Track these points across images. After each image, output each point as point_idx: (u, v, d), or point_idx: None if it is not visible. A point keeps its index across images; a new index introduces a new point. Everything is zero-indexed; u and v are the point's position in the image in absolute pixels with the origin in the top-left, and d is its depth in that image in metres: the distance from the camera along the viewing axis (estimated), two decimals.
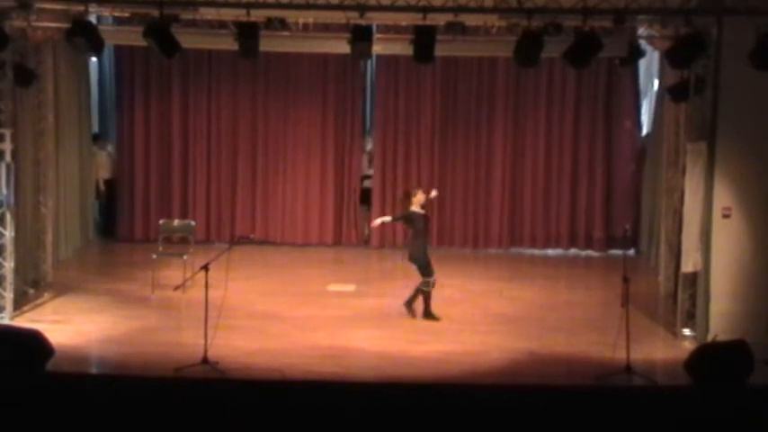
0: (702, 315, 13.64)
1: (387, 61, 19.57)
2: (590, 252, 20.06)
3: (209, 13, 14.48)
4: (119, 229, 20.35)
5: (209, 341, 12.21)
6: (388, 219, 15.64)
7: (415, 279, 17.24)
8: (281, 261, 18.90)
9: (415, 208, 14.65)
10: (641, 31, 15.62)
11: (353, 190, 20.24)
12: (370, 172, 20.52)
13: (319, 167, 20.16)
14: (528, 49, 13.27)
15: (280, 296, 16.06)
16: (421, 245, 14.75)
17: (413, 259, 14.74)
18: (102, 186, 20.61)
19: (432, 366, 12.70)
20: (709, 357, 11.80)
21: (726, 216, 13.45)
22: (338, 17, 13.95)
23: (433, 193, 15.16)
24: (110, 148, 20.72)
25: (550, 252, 20.13)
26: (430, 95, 20.01)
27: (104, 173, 20.57)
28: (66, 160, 18.14)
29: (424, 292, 14.69)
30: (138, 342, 13.46)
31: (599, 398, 10.79)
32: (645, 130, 20.01)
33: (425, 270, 14.67)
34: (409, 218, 14.83)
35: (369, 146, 20.57)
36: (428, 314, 14.66)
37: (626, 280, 12.43)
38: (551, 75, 19.74)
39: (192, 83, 20.05)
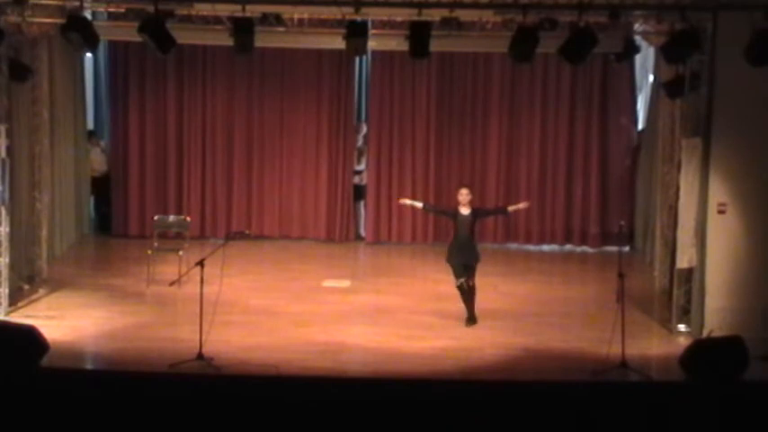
0: (697, 311, 13.67)
1: (382, 57, 19.53)
2: (585, 248, 20.04)
3: (204, 9, 14.47)
4: (113, 225, 20.32)
5: (204, 337, 12.22)
6: (419, 204, 15.47)
7: (410, 275, 17.30)
8: (277, 257, 18.88)
9: (461, 207, 14.46)
10: (636, 26, 15.63)
11: (348, 186, 20.22)
12: (360, 167, 20.50)
13: (314, 163, 20.13)
14: (523, 44, 13.27)
15: (275, 292, 16.06)
16: (452, 244, 14.60)
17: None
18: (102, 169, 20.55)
19: (427, 362, 12.72)
20: (704, 353, 11.82)
21: (721, 212, 13.47)
22: (333, 13, 13.95)
23: (521, 205, 15.29)
24: (103, 144, 20.68)
25: (545, 248, 20.11)
26: (425, 91, 19.97)
27: (98, 169, 20.52)
28: (62, 156, 18.11)
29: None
30: (133, 338, 13.46)
31: (594, 393, 10.81)
32: (640, 126, 19.99)
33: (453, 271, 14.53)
34: (443, 213, 15.16)
35: (359, 142, 20.54)
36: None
37: (621, 276, 12.44)
38: (546, 70, 19.70)
39: (186, 78, 20.00)
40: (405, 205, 15.70)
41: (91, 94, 20.69)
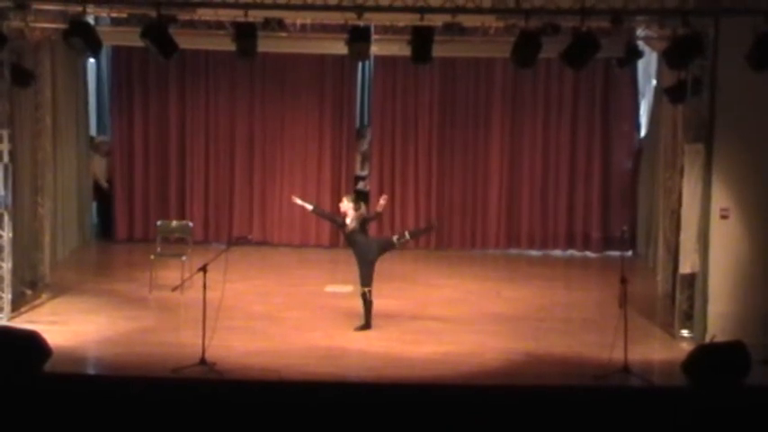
0: (700, 316, 13.66)
1: (384, 62, 19.56)
2: (587, 253, 20.06)
3: (206, 14, 14.49)
4: (116, 230, 20.33)
5: (206, 342, 12.22)
6: (309, 206, 14.93)
7: (412, 281, 17.30)
8: (279, 262, 18.89)
9: (347, 216, 14.27)
10: (639, 31, 15.62)
11: (350, 191, 20.19)
12: (363, 173, 20.51)
13: (317, 168, 20.14)
14: (525, 49, 13.26)
15: (277, 297, 16.06)
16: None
17: None
18: (104, 185, 20.56)
19: (429, 367, 12.71)
20: (706, 358, 11.80)
21: (723, 217, 13.46)
22: (336, 18, 13.95)
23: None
24: (105, 148, 20.67)
25: (548, 253, 20.11)
26: (427, 96, 19.99)
27: (100, 174, 20.56)
28: (64, 161, 18.13)
29: None
30: (135, 343, 13.46)
31: (596, 398, 10.79)
32: (643, 131, 19.99)
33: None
34: (332, 220, 15.06)
35: (364, 146, 20.55)
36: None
37: (623, 281, 12.43)
38: (549, 75, 19.72)
39: (189, 83, 20.03)
40: (296, 203, 15.01)
41: (93, 99, 20.70)
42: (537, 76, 19.60)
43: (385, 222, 19.91)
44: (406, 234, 14.72)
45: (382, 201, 14.31)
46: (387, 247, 14.40)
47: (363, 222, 14.25)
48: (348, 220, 14.18)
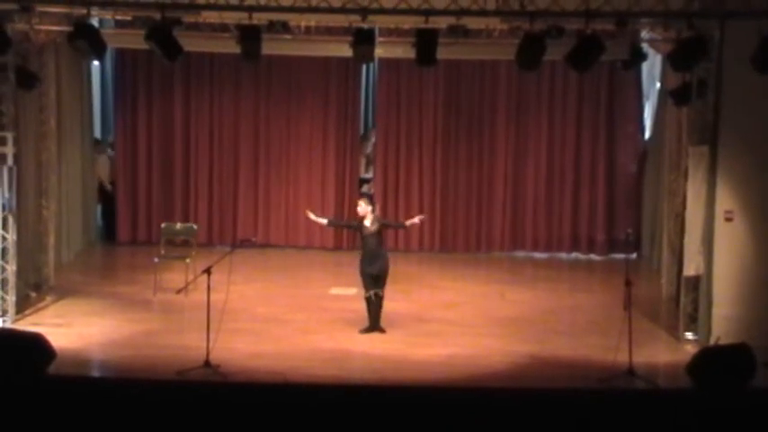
0: (705, 318, 13.64)
1: (389, 64, 19.56)
2: (592, 255, 20.05)
3: (211, 17, 14.49)
4: (119, 233, 20.33)
5: (211, 344, 12.21)
6: (323, 221, 14.96)
7: (417, 283, 17.28)
8: (283, 264, 18.89)
9: (364, 219, 14.25)
10: (643, 34, 15.61)
11: (355, 193, 20.21)
12: (368, 175, 20.51)
13: (321, 170, 20.15)
14: (530, 52, 13.25)
15: (281, 299, 16.06)
16: (362, 256, 14.30)
17: None
18: (108, 186, 20.60)
19: (433, 369, 12.70)
20: (711, 361, 11.79)
21: (728, 219, 13.44)
22: (340, 20, 13.94)
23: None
24: (109, 151, 20.70)
25: (553, 255, 20.09)
26: (432, 99, 20.00)
27: (104, 176, 20.58)
28: (69, 163, 18.14)
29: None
30: (140, 345, 13.46)
31: (601, 401, 10.79)
32: (647, 134, 19.98)
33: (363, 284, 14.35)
34: (349, 227, 15.04)
35: (368, 149, 20.55)
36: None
37: (628, 283, 12.44)
38: (553, 78, 19.73)
39: (193, 86, 20.04)
40: (310, 219, 14.93)
41: (98, 101, 20.72)
42: (541, 79, 19.60)
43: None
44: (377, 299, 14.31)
45: (417, 219, 14.54)
46: (379, 276, 14.21)
47: (382, 227, 14.31)
48: (368, 222, 14.17)
